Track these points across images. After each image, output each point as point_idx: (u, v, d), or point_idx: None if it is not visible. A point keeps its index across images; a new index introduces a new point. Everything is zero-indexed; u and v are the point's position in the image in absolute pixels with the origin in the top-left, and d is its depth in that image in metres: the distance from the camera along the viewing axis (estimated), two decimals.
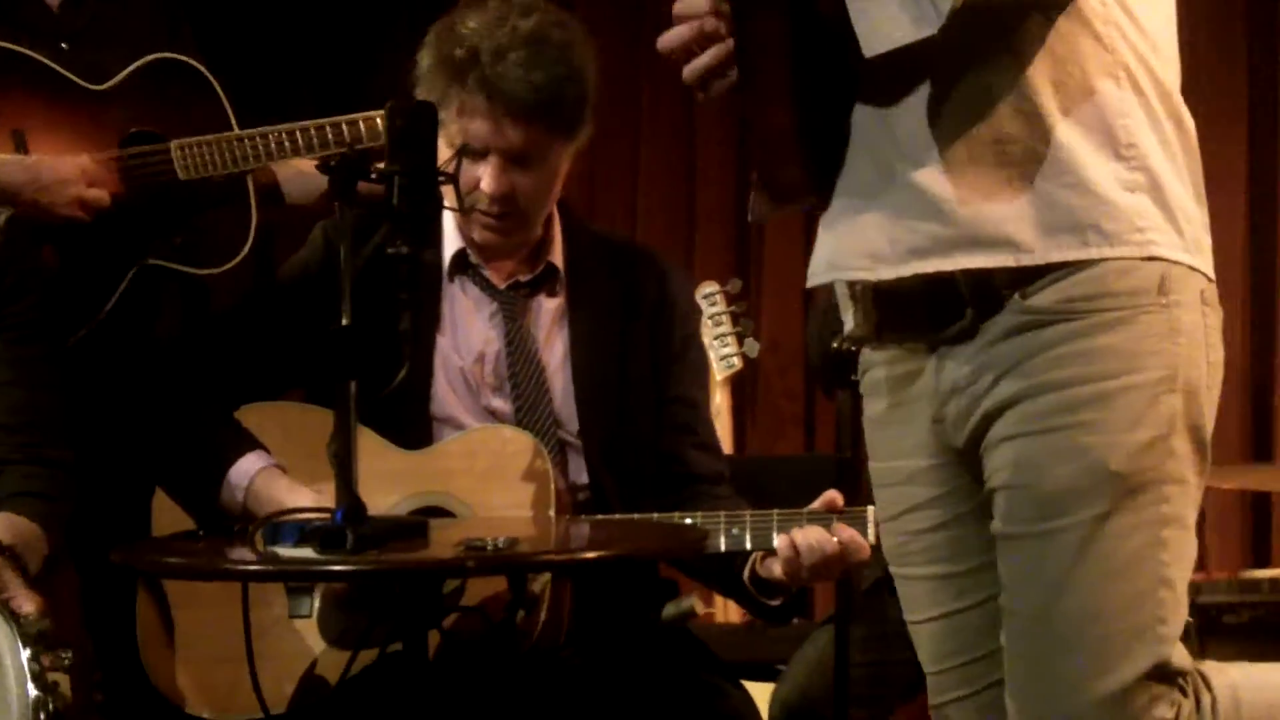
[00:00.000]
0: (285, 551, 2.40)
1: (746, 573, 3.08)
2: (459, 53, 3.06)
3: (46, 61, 3.45)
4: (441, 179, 2.62)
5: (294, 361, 3.13)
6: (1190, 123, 2.25)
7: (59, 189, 3.35)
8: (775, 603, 3.10)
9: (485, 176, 3.09)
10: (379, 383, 2.58)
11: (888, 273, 2.23)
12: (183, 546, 2.76)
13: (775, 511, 3.00)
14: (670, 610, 3.19)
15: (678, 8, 2.26)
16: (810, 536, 2.95)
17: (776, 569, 3.02)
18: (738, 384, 5.38)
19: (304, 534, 2.40)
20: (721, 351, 5.39)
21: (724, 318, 5.37)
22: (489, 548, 2.33)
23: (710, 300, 5.38)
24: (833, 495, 2.98)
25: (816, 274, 2.34)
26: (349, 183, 2.58)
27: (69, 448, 3.03)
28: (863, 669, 3.46)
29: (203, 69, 3.56)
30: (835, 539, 2.95)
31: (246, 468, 3.03)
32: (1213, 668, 2.29)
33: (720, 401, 5.46)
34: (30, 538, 2.79)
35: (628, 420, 3.21)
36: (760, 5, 2.22)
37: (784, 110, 2.24)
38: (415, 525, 2.59)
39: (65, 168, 3.37)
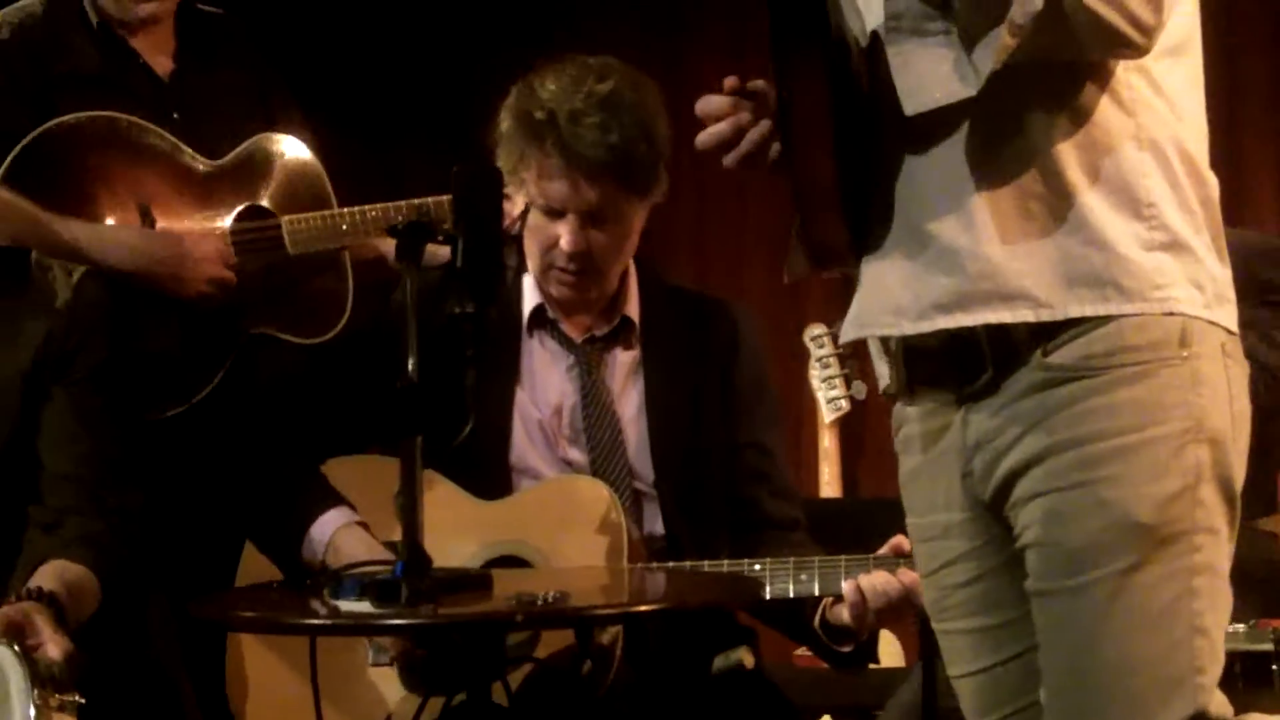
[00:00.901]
0: (345, 605, 2.48)
1: (817, 619, 3.13)
2: (538, 115, 3.16)
3: (166, 135, 3.58)
4: (506, 240, 2.70)
5: (376, 416, 3.23)
6: (1213, 183, 2.27)
7: (198, 267, 3.49)
8: (845, 649, 3.15)
9: (563, 235, 3.18)
10: (446, 438, 2.66)
11: (911, 328, 2.27)
12: (253, 599, 2.85)
13: (843, 557, 3.05)
14: (720, 663, 3.24)
15: (701, 108, 2.33)
16: (876, 581, 3.00)
17: (845, 614, 3.07)
18: (846, 426, 5.43)
19: (364, 588, 2.48)
20: (829, 394, 5.45)
21: (831, 360, 5.42)
22: (540, 601, 2.40)
23: (818, 343, 5.43)
24: (899, 540, 3.02)
25: (847, 331, 2.40)
26: (415, 245, 2.68)
27: (135, 493, 3.10)
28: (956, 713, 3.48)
29: (306, 146, 3.68)
30: (900, 583, 2.99)
31: (328, 523, 3.13)
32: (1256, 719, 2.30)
33: (829, 444, 5.51)
34: (80, 586, 2.88)
35: (702, 469, 3.27)
36: (802, 72, 2.27)
37: (827, 172, 2.28)
38: (480, 577, 2.66)
39: (206, 247, 3.51)
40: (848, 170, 2.27)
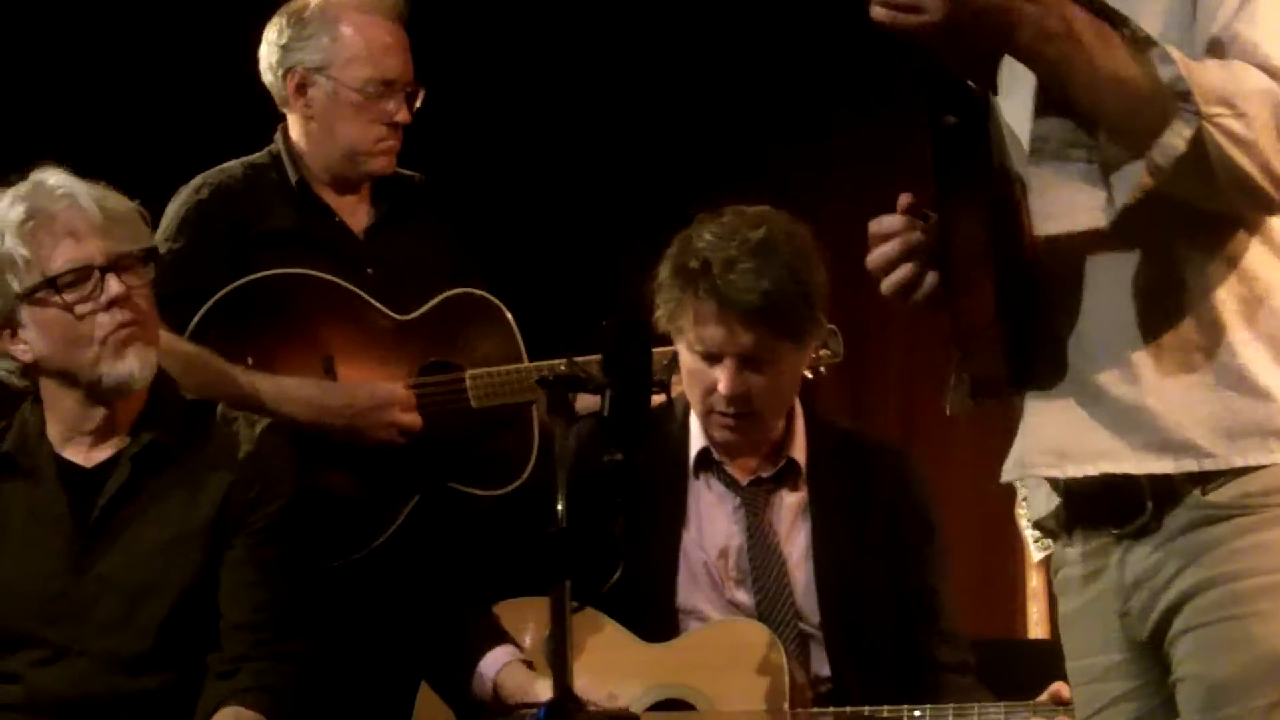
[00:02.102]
0: None
1: None
2: (693, 263, 3.23)
3: (356, 290, 3.68)
4: (655, 389, 2.76)
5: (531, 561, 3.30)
6: None
7: (376, 414, 3.57)
8: None
9: (721, 379, 3.24)
10: (596, 584, 2.71)
11: (1075, 470, 2.29)
12: None
13: (1003, 704, 3.04)
14: None
15: (874, 228, 2.35)
16: None
17: None
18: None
19: None
20: (1035, 533, 5.38)
21: None
22: None
23: (1025, 481, 5.37)
24: (1059, 687, 2.99)
25: (1008, 471, 2.41)
26: (562, 396, 2.75)
27: (309, 639, 3.19)
28: None
29: (498, 303, 3.75)
30: None
31: (494, 661, 3.21)
32: None
33: (1036, 584, 5.43)
34: None
35: (868, 612, 3.30)
36: (963, 206, 2.30)
37: (986, 306, 2.30)
38: (628, 718, 2.70)
39: (383, 394, 3.59)
40: (1008, 305, 2.30)
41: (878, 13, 2.15)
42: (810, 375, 3.50)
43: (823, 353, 3.55)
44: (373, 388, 3.60)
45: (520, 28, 5.47)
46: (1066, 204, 2.22)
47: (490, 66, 5.48)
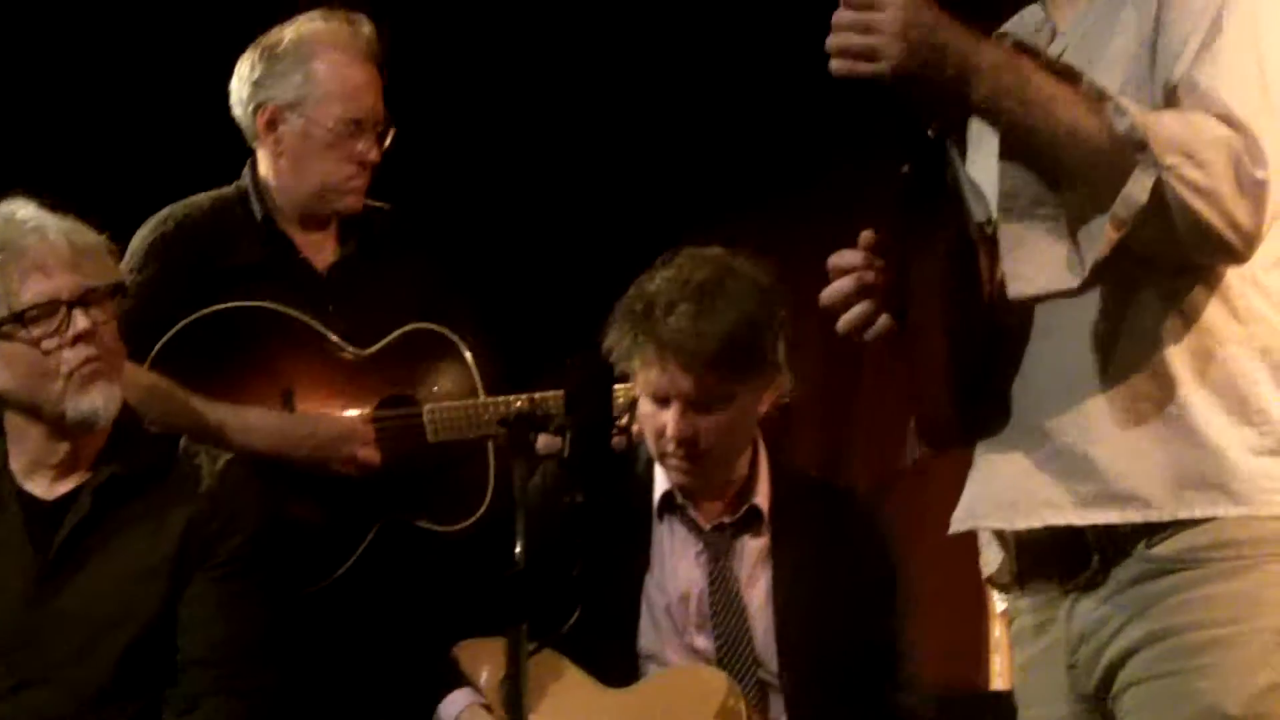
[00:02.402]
0: None
1: None
2: (638, 306, 3.23)
3: (316, 325, 3.69)
4: (615, 431, 2.77)
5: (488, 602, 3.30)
6: None
7: (337, 446, 3.59)
8: None
9: (669, 422, 3.22)
10: (554, 626, 2.71)
11: (1023, 523, 2.32)
12: None
13: None
14: None
15: (834, 260, 2.37)
16: None
17: None
18: None
19: None
20: None
21: None
22: None
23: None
24: None
25: (958, 521, 2.43)
26: (523, 436, 2.76)
27: (271, 672, 3.17)
28: None
29: (455, 338, 3.76)
30: None
31: (454, 704, 3.20)
32: None
33: (1000, 635, 5.43)
34: None
35: (828, 661, 3.28)
36: (923, 249, 2.32)
37: (940, 350, 2.33)
38: None
39: (344, 426, 3.61)
40: (962, 352, 2.31)
41: (836, 65, 2.17)
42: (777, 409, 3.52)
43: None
44: (334, 420, 3.62)
45: (497, 66, 5.50)
46: (1038, 263, 2.22)
47: (472, 102, 5.51)
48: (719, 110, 5.57)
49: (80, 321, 3.10)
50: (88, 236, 3.19)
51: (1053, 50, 2.33)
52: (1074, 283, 2.19)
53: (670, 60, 5.55)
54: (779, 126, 5.55)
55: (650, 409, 3.24)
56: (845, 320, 2.35)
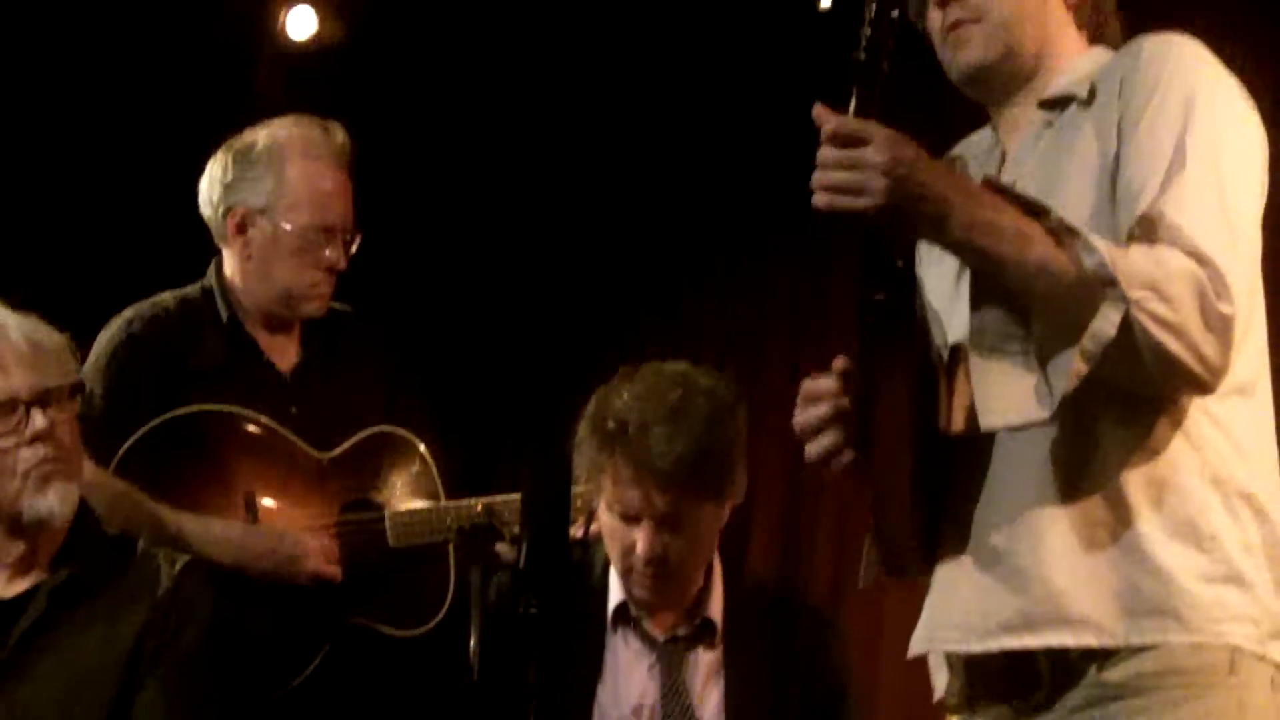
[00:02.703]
0: None
1: None
2: (610, 424, 3.25)
3: (279, 428, 3.71)
4: (573, 543, 2.79)
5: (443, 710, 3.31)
6: (1275, 520, 2.31)
7: (297, 563, 3.59)
8: None
9: (639, 541, 3.25)
10: None
11: (978, 645, 2.34)
12: None
13: None
14: None
15: (807, 387, 2.40)
16: None
17: None
18: None
19: None
20: None
21: None
22: None
23: None
24: None
25: (917, 643, 2.45)
26: (480, 546, 2.78)
27: None
28: None
29: (417, 441, 3.79)
30: None
31: None
32: None
33: None
34: None
35: None
36: (887, 376, 2.34)
37: (904, 476, 2.35)
38: None
39: (305, 544, 3.61)
40: (923, 478, 2.34)
41: (820, 200, 2.20)
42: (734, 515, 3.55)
43: None
44: (296, 537, 3.62)
45: (454, 168, 5.56)
46: (1009, 395, 2.26)
47: (433, 204, 5.56)
48: (673, 215, 5.63)
49: (38, 421, 3.11)
50: (48, 335, 3.20)
51: (1005, 175, 2.38)
52: (1044, 415, 2.23)
53: (618, 166, 5.61)
54: (732, 240, 5.61)
55: (617, 525, 3.26)
56: (815, 449, 2.38)
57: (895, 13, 2.24)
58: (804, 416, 2.38)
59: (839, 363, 2.37)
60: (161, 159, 4.49)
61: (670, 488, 3.21)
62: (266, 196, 3.71)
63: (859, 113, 2.22)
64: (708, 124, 5.49)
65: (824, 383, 2.37)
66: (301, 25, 5.70)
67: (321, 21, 5.70)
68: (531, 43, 5.55)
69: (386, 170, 4.73)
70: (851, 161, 2.17)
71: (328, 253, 3.71)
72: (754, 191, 5.34)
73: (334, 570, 3.62)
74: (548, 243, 5.61)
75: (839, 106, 2.22)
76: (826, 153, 2.19)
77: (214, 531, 3.55)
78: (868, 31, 2.22)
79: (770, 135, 4.99)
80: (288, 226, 3.70)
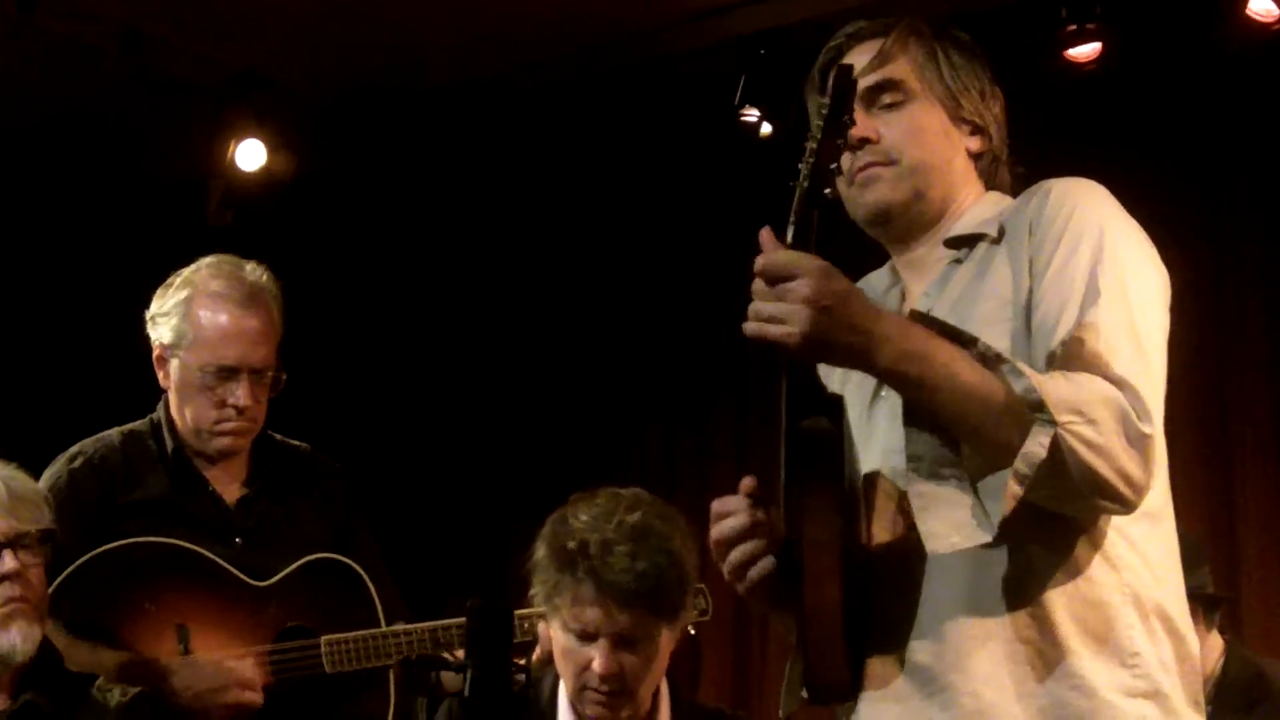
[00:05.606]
0: None
1: None
2: (571, 544, 3.29)
3: (215, 558, 3.72)
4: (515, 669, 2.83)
5: None
6: (1192, 640, 2.39)
7: (217, 695, 3.58)
8: None
9: (596, 658, 3.28)
10: None
11: None
12: None
13: None
14: None
15: (717, 506, 2.44)
16: None
17: None
18: None
19: None
20: None
21: None
22: None
23: None
24: None
25: None
26: (424, 676, 2.82)
27: None
28: None
29: (358, 568, 3.81)
30: None
31: None
32: None
33: None
34: None
35: None
36: (815, 511, 2.35)
37: (834, 607, 2.35)
38: None
39: (225, 674, 3.60)
40: (852, 602, 2.36)
41: (749, 328, 2.26)
42: (692, 630, 3.60)
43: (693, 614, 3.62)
44: (216, 668, 3.61)
45: (405, 311, 5.63)
46: (951, 521, 2.32)
47: (384, 341, 5.63)
48: (620, 352, 5.71)
49: (9, 562, 3.23)
50: (26, 484, 3.36)
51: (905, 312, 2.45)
52: (988, 537, 2.28)
53: (570, 300, 5.70)
54: (674, 383, 5.70)
55: (572, 645, 3.30)
56: (731, 562, 2.41)
57: (841, 141, 2.29)
58: (720, 528, 2.42)
59: (748, 483, 2.42)
60: (114, 294, 4.54)
61: (631, 605, 3.25)
62: (175, 334, 3.78)
63: (796, 241, 2.27)
64: (651, 259, 5.59)
65: (733, 500, 2.42)
66: (251, 158, 5.81)
67: (270, 153, 5.81)
68: (484, 183, 5.65)
69: (330, 301, 4.82)
70: (778, 294, 2.24)
71: (232, 390, 3.75)
72: (699, 321, 5.44)
73: (255, 698, 3.61)
74: (496, 378, 5.67)
75: (782, 232, 2.27)
76: (758, 283, 2.26)
77: (136, 670, 3.54)
78: (808, 160, 2.28)
79: (714, 271, 5.10)
80: (191, 364, 3.76)
